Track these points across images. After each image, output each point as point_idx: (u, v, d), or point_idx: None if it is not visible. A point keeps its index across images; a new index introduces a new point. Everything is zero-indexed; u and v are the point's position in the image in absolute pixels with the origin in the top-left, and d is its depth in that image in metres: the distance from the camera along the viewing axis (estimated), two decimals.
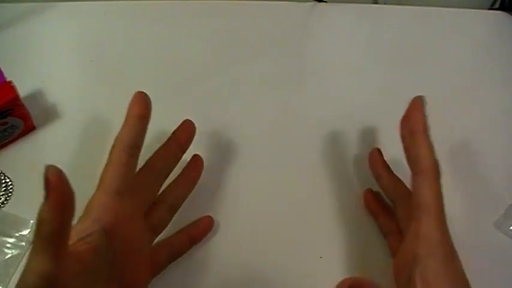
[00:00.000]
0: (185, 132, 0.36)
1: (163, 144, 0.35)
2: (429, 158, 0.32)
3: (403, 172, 0.42)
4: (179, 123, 0.38)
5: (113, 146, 0.31)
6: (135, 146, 0.31)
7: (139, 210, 0.32)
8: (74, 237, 0.27)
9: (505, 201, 0.41)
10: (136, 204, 0.31)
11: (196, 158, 0.38)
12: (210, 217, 0.37)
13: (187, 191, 0.36)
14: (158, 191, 0.34)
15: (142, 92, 0.33)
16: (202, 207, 0.38)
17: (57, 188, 0.23)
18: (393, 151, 0.44)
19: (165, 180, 0.35)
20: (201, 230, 0.37)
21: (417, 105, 0.35)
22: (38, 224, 0.23)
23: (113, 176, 0.30)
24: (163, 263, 0.34)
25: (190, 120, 0.37)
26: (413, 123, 0.34)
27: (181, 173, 0.37)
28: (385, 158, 0.43)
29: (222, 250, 0.37)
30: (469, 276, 0.37)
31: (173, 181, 0.36)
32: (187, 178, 0.37)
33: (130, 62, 0.47)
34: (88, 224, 0.28)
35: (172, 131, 0.36)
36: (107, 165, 0.31)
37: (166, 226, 0.34)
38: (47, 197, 0.23)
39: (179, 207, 0.36)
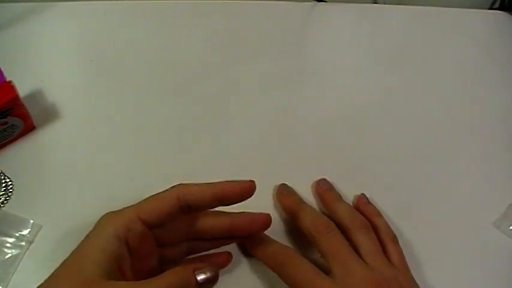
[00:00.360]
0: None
1: (220, 216, 0.34)
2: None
3: (399, 176, 0.43)
4: (181, 123, 0.37)
5: (177, 187, 0.31)
6: (193, 203, 0.31)
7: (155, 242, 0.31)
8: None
9: (505, 201, 0.41)
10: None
11: (227, 257, 0.36)
12: (229, 254, 0.36)
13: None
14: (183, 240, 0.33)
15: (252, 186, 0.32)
16: None
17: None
18: (393, 151, 0.44)
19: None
20: (218, 263, 0.35)
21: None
22: None
23: (156, 210, 0.30)
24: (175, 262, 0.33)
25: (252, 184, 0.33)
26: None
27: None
28: (384, 159, 0.43)
29: (221, 249, 0.37)
30: (468, 276, 0.38)
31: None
32: (211, 261, 0.35)
33: (130, 62, 0.47)
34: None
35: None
36: (160, 195, 0.30)
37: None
38: None
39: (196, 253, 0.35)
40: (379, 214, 0.38)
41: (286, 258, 0.33)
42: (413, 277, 0.34)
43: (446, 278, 0.37)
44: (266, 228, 0.34)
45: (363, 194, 0.40)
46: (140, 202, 0.30)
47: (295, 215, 0.37)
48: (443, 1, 0.56)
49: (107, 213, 0.30)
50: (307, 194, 0.40)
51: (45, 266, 0.28)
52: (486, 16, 0.57)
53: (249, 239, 0.35)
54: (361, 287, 0.30)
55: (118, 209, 0.30)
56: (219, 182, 0.32)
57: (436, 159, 0.44)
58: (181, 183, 0.31)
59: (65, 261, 0.28)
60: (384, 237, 0.35)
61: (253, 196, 0.39)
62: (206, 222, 0.33)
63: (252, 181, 0.33)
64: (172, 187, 0.31)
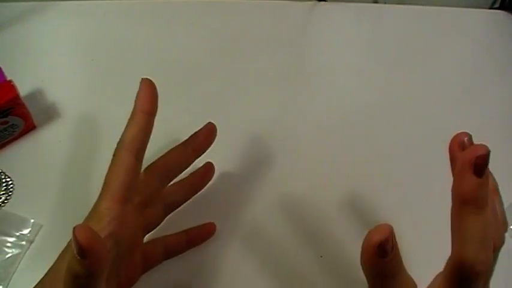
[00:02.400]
0: (206, 137, 0.35)
1: (178, 147, 0.35)
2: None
3: (399, 176, 0.43)
4: (181, 123, 0.38)
5: (120, 147, 0.30)
6: (142, 148, 0.30)
7: (139, 212, 0.31)
8: None
9: (505, 201, 0.41)
10: (138, 206, 0.31)
11: (208, 166, 0.38)
12: (213, 224, 0.37)
13: (188, 196, 0.36)
14: (160, 192, 0.34)
15: (150, 82, 0.31)
16: (201, 207, 0.38)
17: (91, 251, 0.22)
18: (393, 151, 0.44)
19: (169, 183, 0.34)
20: (201, 235, 0.36)
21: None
22: (71, 276, 0.22)
23: (120, 181, 0.29)
24: (157, 260, 0.34)
25: (213, 124, 0.35)
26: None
27: (188, 177, 0.36)
28: (384, 158, 0.43)
29: (221, 249, 0.37)
30: None
31: (177, 182, 0.35)
32: (192, 184, 0.36)
33: (130, 62, 0.47)
34: (102, 235, 0.27)
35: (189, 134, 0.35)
36: (113, 167, 0.30)
37: (159, 225, 0.34)
38: (81, 257, 0.22)
39: (175, 209, 0.35)
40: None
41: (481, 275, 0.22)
42: None
43: None
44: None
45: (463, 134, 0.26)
46: (104, 187, 0.29)
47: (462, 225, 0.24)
48: (443, 1, 0.56)
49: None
50: (306, 193, 0.40)
51: (46, 266, 0.28)
52: (486, 16, 0.56)
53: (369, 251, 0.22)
54: None
55: None
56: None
57: (436, 158, 0.44)
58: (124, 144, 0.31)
59: (59, 256, 0.28)
60: None
61: (253, 196, 0.39)
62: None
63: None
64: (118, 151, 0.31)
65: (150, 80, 0.31)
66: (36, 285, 0.27)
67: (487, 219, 0.23)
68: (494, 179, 0.27)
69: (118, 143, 0.30)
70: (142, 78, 0.31)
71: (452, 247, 0.24)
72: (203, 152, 0.35)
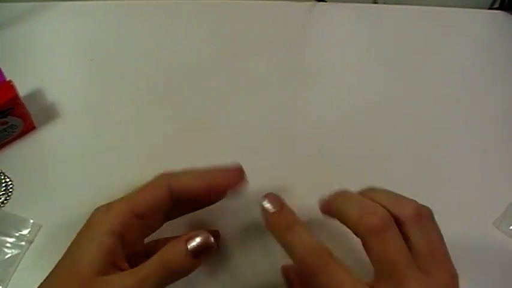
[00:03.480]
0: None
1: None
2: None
3: (399, 176, 0.43)
4: (180, 123, 0.37)
5: (163, 174, 0.30)
6: (183, 189, 0.30)
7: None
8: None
9: (505, 201, 0.41)
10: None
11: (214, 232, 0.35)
12: (217, 232, 0.36)
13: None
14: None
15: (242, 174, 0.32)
16: (205, 213, 0.38)
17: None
18: (393, 151, 0.44)
19: None
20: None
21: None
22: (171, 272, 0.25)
23: (144, 200, 0.29)
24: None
25: (241, 170, 0.33)
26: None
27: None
28: (384, 159, 0.43)
29: (221, 249, 0.37)
30: (469, 276, 0.37)
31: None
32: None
33: (130, 62, 0.47)
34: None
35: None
36: (146, 185, 0.30)
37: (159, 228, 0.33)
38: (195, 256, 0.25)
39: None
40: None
41: (320, 261, 0.26)
42: None
43: None
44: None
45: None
46: (131, 195, 0.30)
47: (335, 205, 0.29)
48: (443, 1, 0.56)
49: (97, 210, 0.29)
50: (306, 193, 0.40)
51: (45, 266, 0.28)
52: (486, 16, 0.56)
53: (269, 213, 0.29)
54: None
55: None
56: (208, 172, 0.31)
57: (436, 158, 0.44)
58: (168, 173, 0.31)
59: (60, 261, 0.28)
60: None
61: (252, 196, 0.39)
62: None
63: (240, 167, 0.33)
64: (160, 177, 0.30)
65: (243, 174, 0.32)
66: (55, 268, 0.28)
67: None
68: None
69: (170, 174, 0.30)
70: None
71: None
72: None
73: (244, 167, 0.41)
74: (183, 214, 0.33)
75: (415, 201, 0.29)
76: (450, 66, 0.51)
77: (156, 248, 0.33)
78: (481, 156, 0.44)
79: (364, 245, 0.27)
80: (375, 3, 0.56)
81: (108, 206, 0.29)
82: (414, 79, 0.49)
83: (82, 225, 0.30)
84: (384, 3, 0.56)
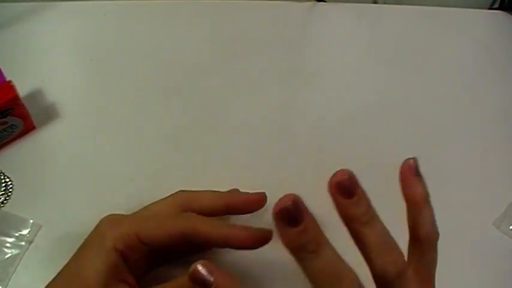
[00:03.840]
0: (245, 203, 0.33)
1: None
2: (428, 228, 0.27)
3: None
4: (180, 123, 0.37)
5: (185, 217, 0.30)
6: (199, 241, 0.29)
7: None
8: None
9: (504, 201, 0.41)
10: None
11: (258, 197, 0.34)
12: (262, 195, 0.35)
13: None
14: None
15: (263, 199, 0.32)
16: None
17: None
18: (393, 151, 0.44)
19: None
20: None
21: (411, 172, 0.29)
22: None
23: (157, 237, 0.29)
24: (158, 263, 0.33)
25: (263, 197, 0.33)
26: (413, 195, 0.29)
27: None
28: (384, 159, 0.42)
29: (220, 249, 0.37)
30: (469, 276, 0.37)
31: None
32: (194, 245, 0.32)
33: (130, 62, 0.47)
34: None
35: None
36: (164, 223, 0.29)
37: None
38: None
39: None
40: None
41: (399, 274, 0.24)
42: None
43: (445, 278, 0.37)
44: (261, 207, 0.33)
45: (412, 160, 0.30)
46: (144, 219, 0.30)
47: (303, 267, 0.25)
48: (443, 1, 0.56)
49: (106, 220, 0.29)
50: (306, 193, 0.40)
51: (45, 266, 0.28)
52: (486, 16, 0.56)
53: (282, 223, 0.24)
54: None
55: (117, 210, 0.30)
56: (230, 227, 0.30)
57: (436, 159, 0.44)
58: (191, 215, 0.31)
59: (64, 271, 0.28)
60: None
61: None
62: (202, 203, 0.32)
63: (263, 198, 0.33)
64: (179, 215, 0.31)
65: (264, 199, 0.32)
66: (60, 278, 0.28)
67: (377, 228, 0.26)
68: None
69: (188, 211, 0.31)
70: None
71: (413, 233, 0.28)
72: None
73: (244, 167, 0.41)
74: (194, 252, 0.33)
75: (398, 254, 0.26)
76: (450, 66, 0.51)
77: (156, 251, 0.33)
78: (481, 156, 0.44)
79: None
80: (375, 3, 0.56)
81: (117, 221, 0.29)
82: (414, 79, 0.49)
83: (82, 225, 0.30)
84: (384, 3, 0.56)
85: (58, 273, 0.28)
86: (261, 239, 0.29)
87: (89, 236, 0.29)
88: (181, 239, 0.29)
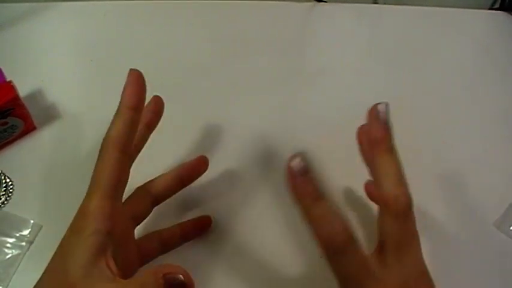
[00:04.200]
0: (153, 112, 0.36)
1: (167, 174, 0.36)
2: (394, 191, 0.28)
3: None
4: (180, 123, 0.37)
5: (106, 144, 0.29)
6: (128, 143, 0.30)
7: (123, 203, 0.32)
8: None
9: (505, 201, 0.41)
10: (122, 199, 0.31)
11: (200, 159, 0.38)
12: (208, 217, 0.37)
13: (176, 188, 0.35)
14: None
15: (138, 74, 0.31)
16: (200, 207, 0.38)
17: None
18: None
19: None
20: (196, 228, 0.36)
21: (376, 116, 0.31)
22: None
23: (109, 178, 0.28)
24: (152, 254, 0.34)
25: (159, 97, 0.36)
26: (376, 141, 0.30)
27: (177, 168, 0.36)
28: None
29: (220, 249, 0.37)
30: (469, 276, 0.37)
31: (165, 174, 0.35)
32: (181, 176, 0.36)
33: (130, 62, 0.47)
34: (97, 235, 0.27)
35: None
36: (100, 164, 0.29)
37: (147, 217, 0.34)
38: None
39: (163, 201, 0.35)
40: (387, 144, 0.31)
41: (346, 243, 0.27)
42: None
43: (445, 278, 0.37)
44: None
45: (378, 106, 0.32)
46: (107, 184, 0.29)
47: (306, 215, 0.28)
48: (443, 1, 0.56)
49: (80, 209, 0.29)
50: None
51: (45, 266, 0.28)
52: (486, 16, 0.57)
53: (294, 174, 0.27)
54: None
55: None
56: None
57: (436, 158, 0.44)
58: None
59: (48, 265, 0.28)
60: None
61: (253, 196, 0.39)
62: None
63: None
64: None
65: (138, 72, 0.31)
66: (45, 272, 0.27)
67: (398, 159, 0.30)
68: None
69: (104, 140, 0.30)
70: (130, 70, 0.31)
71: (376, 190, 0.29)
72: (155, 125, 0.36)
73: (244, 167, 0.41)
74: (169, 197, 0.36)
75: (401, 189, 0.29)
76: (450, 66, 0.51)
77: (150, 240, 0.34)
78: (481, 156, 0.44)
79: (329, 263, 0.27)
80: (375, 3, 0.56)
81: (87, 205, 0.28)
82: (414, 79, 0.49)
83: None
84: (384, 3, 0.56)
85: (43, 272, 0.27)
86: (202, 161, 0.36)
87: (69, 229, 0.29)
88: (150, 203, 0.33)
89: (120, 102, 0.30)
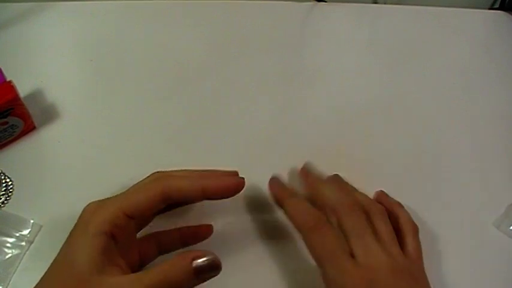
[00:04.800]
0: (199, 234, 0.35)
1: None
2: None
3: (399, 176, 0.43)
4: (180, 123, 0.37)
5: (162, 178, 0.30)
6: (177, 198, 0.30)
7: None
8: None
9: (505, 201, 0.41)
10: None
11: (205, 229, 0.36)
12: (210, 226, 0.36)
13: (175, 246, 0.35)
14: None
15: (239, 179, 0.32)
16: (200, 207, 0.38)
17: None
18: (392, 151, 0.44)
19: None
20: (196, 235, 0.36)
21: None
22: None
23: (140, 203, 0.29)
24: (151, 257, 0.33)
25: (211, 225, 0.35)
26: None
27: (183, 228, 0.35)
28: (383, 159, 0.43)
29: (220, 249, 0.37)
30: (469, 276, 0.37)
31: (173, 229, 0.35)
32: (183, 237, 0.35)
33: (130, 62, 0.47)
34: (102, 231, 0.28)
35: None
36: (143, 188, 0.30)
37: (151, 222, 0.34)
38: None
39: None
40: (400, 205, 0.37)
41: (317, 224, 0.32)
42: (424, 270, 0.33)
43: (446, 278, 0.37)
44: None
45: (381, 191, 0.39)
46: (124, 195, 0.30)
47: (319, 191, 0.35)
48: (443, 1, 0.56)
49: (89, 206, 0.29)
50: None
51: (46, 266, 0.28)
52: (486, 16, 0.57)
53: (274, 184, 0.37)
54: (379, 271, 0.30)
55: None
56: (205, 175, 0.32)
57: (436, 159, 0.44)
58: (163, 174, 0.31)
59: (54, 262, 0.28)
60: (404, 227, 0.35)
61: (252, 196, 0.39)
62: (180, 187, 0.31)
63: (241, 178, 0.32)
64: (155, 178, 0.31)
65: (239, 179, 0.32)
66: (50, 268, 0.27)
67: (297, 200, 0.35)
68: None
69: (163, 173, 0.31)
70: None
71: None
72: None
73: (244, 167, 0.41)
74: (173, 209, 0.34)
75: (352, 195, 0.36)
76: (450, 66, 0.51)
77: (150, 242, 0.33)
78: (481, 156, 0.44)
79: (339, 220, 0.33)
80: (375, 3, 0.56)
81: (99, 205, 0.29)
82: (414, 79, 0.49)
83: None
84: (384, 3, 0.56)
85: (49, 268, 0.27)
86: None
87: (74, 227, 0.29)
88: (161, 200, 0.29)
89: (207, 179, 0.31)
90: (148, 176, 0.32)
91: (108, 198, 0.30)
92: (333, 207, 0.34)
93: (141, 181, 0.32)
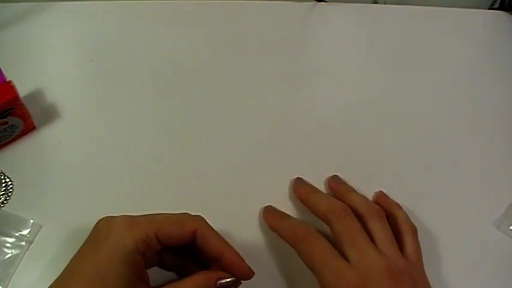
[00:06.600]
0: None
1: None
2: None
3: (399, 176, 0.43)
4: (180, 123, 0.37)
5: (196, 219, 0.31)
6: (202, 245, 0.31)
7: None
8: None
9: (505, 201, 0.41)
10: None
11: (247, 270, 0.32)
12: (250, 271, 0.33)
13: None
14: None
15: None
16: (200, 207, 0.38)
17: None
18: (392, 152, 0.44)
19: None
20: (234, 269, 0.33)
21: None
22: None
23: (173, 233, 0.30)
24: (151, 264, 0.32)
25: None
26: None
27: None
28: (383, 159, 0.43)
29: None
30: (468, 275, 0.37)
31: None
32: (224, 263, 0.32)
33: (130, 62, 0.47)
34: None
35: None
36: (178, 221, 0.31)
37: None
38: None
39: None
40: (399, 206, 0.38)
41: (306, 234, 0.33)
42: (424, 272, 0.33)
43: (446, 278, 0.37)
44: (244, 278, 0.31)
45: (380, 191, 0.40)
46: (158, 219, 0.30)
47: (311, 201, 0.37)
48: (443, 1, 0.56)
49: (121, 222, 0.29)
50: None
51: (46, 266, 0.28)
52: (486, 16, 0.57)
53: (267, 212, 0.38)
54: (374, 272, 0.30)
55: (117, 210, 0.30)
56: (233, 252, 0.31)
57: (436, 159, 0.44)
58: (203, 221, 0.31)
59: (82, 275, 0.27)
60: (402, 228, 0.36)
61: (253, 195, 0.39)
62: (210, 238, 0.32)
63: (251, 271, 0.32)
64: (192, 217, 0.31)
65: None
66: (78, 277, 0.27)
67: (321, 193, 0.39)
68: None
69: (199, 217, 0.32)
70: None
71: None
72: None
73: (244, 167, 0.41)
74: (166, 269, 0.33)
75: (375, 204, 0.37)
76: (450, 66, 0.51)
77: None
78: (481, 156, 0.44)
79: (330, 227, 0.34)
80: (375, 3, 0.56)
81: (134, 222, 0.29)
82: (414, 79, 0.49)
83: (82, 225, 0.30)
84: (384, 3, 0.56)
85: (72, 278, 0.27)
86: (248, 273, 0.31)
87: (99, 236, 0.29)
88: (191, 239, 0.30)
89: (234, 254, 0.31)
90: (181, 212, 0.32)
91: (141, 217, 0.30)
92: (324, 215, 0.35)
93: (174, 213, 0.31)
